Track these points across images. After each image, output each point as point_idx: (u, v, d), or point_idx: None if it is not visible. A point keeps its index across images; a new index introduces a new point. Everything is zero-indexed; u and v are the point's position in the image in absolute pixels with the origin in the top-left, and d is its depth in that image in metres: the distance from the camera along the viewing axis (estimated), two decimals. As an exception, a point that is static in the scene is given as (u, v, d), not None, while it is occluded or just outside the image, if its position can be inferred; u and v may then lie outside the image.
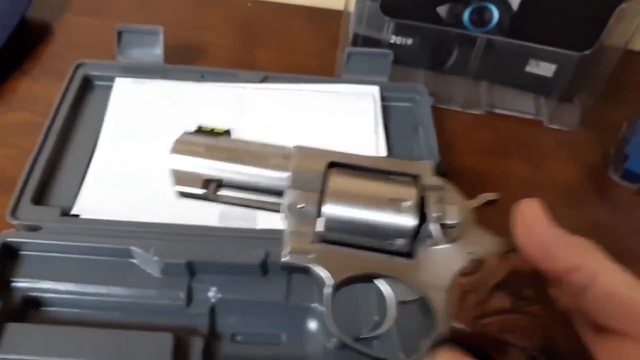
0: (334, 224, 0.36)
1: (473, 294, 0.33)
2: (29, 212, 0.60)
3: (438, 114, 0.78)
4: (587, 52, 0.74)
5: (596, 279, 0.32)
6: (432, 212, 0.35)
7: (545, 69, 0.79)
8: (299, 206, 0.36)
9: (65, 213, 0.61)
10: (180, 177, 0.38)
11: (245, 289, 0.57)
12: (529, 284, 0.33)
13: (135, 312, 0.56)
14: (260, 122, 0.72)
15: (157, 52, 0.77)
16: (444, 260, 0.35)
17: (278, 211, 0.37)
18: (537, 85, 0.82)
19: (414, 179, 0.37)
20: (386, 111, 0.76)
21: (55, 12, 0.89)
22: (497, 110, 0.83)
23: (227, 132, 0.41)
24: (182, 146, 0.39)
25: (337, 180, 0.36)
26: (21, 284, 0.56)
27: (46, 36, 0.86)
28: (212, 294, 0.57)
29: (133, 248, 0.57)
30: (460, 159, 0.76)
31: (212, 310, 0.57)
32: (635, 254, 0.70)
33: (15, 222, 0.59)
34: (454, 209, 0.35)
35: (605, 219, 0.74)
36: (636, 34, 0.74)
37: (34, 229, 0.59)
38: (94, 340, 0.52)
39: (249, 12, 0.95)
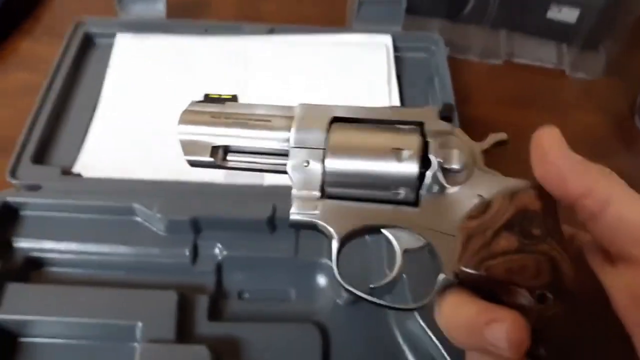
0: (337, 178, 0.36)
1: (479, 236, 0.33)
2: (29, 172, 0.59)
3: (454, 64, 0.74)
4: (612, -6, 0.70)
5: (609, 203, 0.31)
6: (435, 158, 0.34)
7: (568, 14, 0.75)
8: (304, 164, 0.36)
9: (66, 172, 0.59)
10: (189, 147, 0.38)
11: (253, 246, 0.55)
12: (538, 222, 0.32)
13: (140, 271, 0.55)
14: (267, 77, 0.69)
15: (159, 6, 0.75)
16: (450, 205, 0.34)
17: (286, 172, 0.37)
18: (559, 33, 0.78)
19: (419, 126, 0.36)
20: (399, 62, 0.73)
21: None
22: (517, 60, 0.79)
23: (233, 97, 0.40)
24: (189, 116, 0.39)
25: (339, 135, 0.36)
26: (22, 244, 0.55)
27: (46, -5, 0.84)
28: (218, 251, 0.55)
29: (136, 205, 0.55)
30: (478, 111, 0.73)
31: (219, 268, 0.55)
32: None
33: (15, 181, 0.58)
34: (456, 153, 0.34)
35: (631, 169, 0.70)
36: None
37: (34, 188, 0.57)
38: (97, 299, 0.50)
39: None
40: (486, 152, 0.36)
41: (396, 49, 0.73)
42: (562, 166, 0.32)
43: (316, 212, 0.36)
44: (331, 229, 0.36)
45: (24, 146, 0.60)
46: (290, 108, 0.38)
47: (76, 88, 0.68)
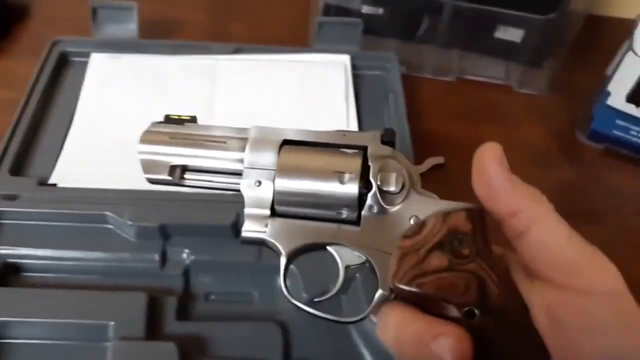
0: (285, 197, 0.38)
1: (413, 254, 0.35)
2: (7, 183, 0.62)
3: (410, 82, 0.79)
4: (552, 16, 0.76)
5: (533, 226, 0.34)
6: (374, 181, 0.37)
7: (513, 34, 0.81)
8: (256, 184, 0.39)
9: (43, 182, 0.63)
10: (148, 166, 0.41)
11: (218, 250, 0.59)
12: (468, 243, 0.35)
13: (112, 275, 0.58)
14: (233, 93, 0.74)
15: (131, 27, 0.79)
16: (388, 225, 0.37)
17: (237, 186, 0.40)
18: (506, 51, 0.83)
19: (363, 149, 0.39)
20: (357, 80, 0.77)
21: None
22: (468, 77, 0.85)
23: (192, 119, 0.43)
24: (149, 136, 0.41)
25: (287, 157, 0.39)
26: (1, 251, 0.58)
27: (23, 16, 0.88)
28: (186, 255, 0.59)
29: (108, 213, 0.59)
30: (431, 125, 0.78)
31: (186, 272, 0.59)
32: (600, 212, 0.72)
33: (-7, 192, 0.61)
34: (394, 176, 0.37)
35: (572, 180, 0.76)
36: (598, -1, 0.75)
37: (12, 198, 0.60)
38: (71, 300, 0.54)
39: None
40: (424, 175, 0.39)
41: (354, 67, 0.78)
42: (496, 184, 0.35)
43: (265, 229, 0.39)
44: (279, 246, 0.39)
45: (1, 159, 0.63)
46: (244, 130, 0.41)
47: (52, 104, 0.72)
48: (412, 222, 0.36)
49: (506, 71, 0.85)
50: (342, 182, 0.37)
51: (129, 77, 0.74)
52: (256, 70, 0.76)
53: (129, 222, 0.58)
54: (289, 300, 0.40)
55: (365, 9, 0.81)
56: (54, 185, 0.63)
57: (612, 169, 0.77)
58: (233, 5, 0.92)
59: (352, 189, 0.37)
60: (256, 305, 0.58)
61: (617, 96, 0.74)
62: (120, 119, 0.70)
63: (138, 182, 0.61)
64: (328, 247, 0.39)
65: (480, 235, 0.35)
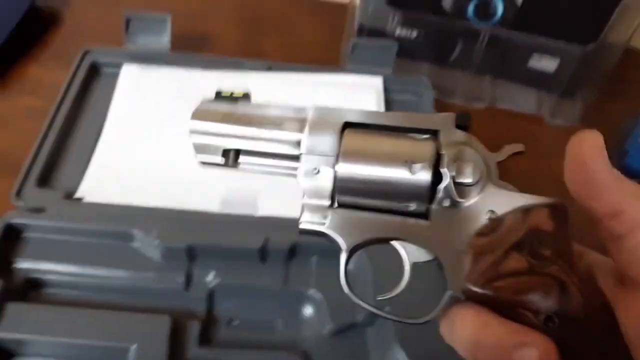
0: (347, 184, 0.35)
1: (488, 254, 0.32)
2: (34, 195, 0.61)
3: (440, 107, 0.78)
4: (589, 47, 0.74)
5: (637, 228, 0.30)
6: (448, 172, 0.33)
7: (547, 63, 0.79)
8: (314, 171, 0.35)
9: (69, 196, 0.62)
10: (200, 147, 0.38)
11: (244, 275, 0.58)
12: (549, 243, 0.31)
13: (135, 295, 0.57)
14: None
15: (164, 39, 0.78)
16: (461, 220, 0.33)
17: (294, 171, 0.37)
18: (540, 81, 0.82)
19: (434, 134, 0.35)
20: (389, 103, 0.77)
21: (63, -1, 0.91)
22: (499, 105, 0.83)
23: (246, 96, 0.39)
24: (201, 115, 0.38)
25: (350, 142, 0.35)
26: (23, 265, 0.57)
27: (55, 23, 0.87)
28: (211, 278, 0.58)
29: (134, 231, 0.58)
30: (461, 153, 0.76)
31: (210, 295, 0.58)
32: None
33: (19, 203, 0.60)
34: (470, 166, 0.33)
35: None
36: (637, 31, 0.74)
37: (37, 211, 0.60)
38: (93, 320, 0.53)
39: (256, 2, 0.95)
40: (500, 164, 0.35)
41: (386, 90, 0.77)
42: (599, 180, 0.31)
43: (325, 221, 0.35)
44: (339, 240, 0.35)
45: (29, 169, 0.63)
46: (303, 110, 0.37)
47: (81, 114, 0.71)
48: (488, 217, 0.33)
49: (538, 101, 0.83)
50: (411, 171, 0.33)
51: (160, 90, 0.73)
52: (288, 89, 0.75)
53: (156, 242, 0.57)
54: (353, 300, 0.36)
55: (399, 32, 0.80)
56: (81, 199, 0.62)
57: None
58: (266, 22, 0.92)
59: (423, 179, 0.33)
60: (279, 334, 0.57)
61: (653, 133, 0.72)
62: (151, 133, 0.69)
63: (166, 199, 0.62)
64: (392, 242, 0.35)
65: (563, 235, 0.32)
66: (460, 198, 0.33)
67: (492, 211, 0.33)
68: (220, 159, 0.37)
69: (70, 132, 0.69)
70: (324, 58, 0.83)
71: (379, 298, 0.36)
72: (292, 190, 0.64)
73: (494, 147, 0.82)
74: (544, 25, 0.75)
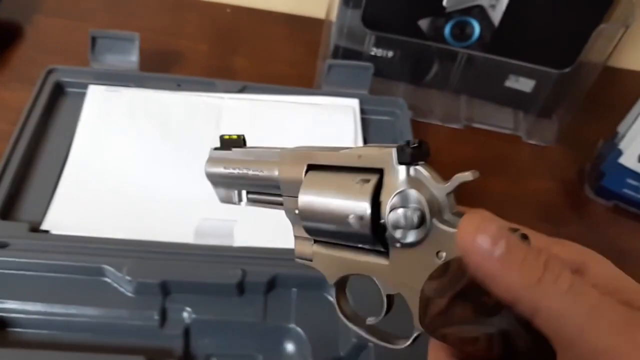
0: (310, 227, 0.37)
1: (438, 299, 0.32)
2: (-4, 228, 0.58)
3: (417, 127, 0.77)
4: (566, 70, 0.74)
5: (588, 271, 0.31)
6: (386, 221, 0.32)
7: (524, 84, 0.80)
8: (295, 210, 0.37)
9: (35, 228, 0.59)
10: (220, 193, 0.44)
11: (221, 310, 0.56)
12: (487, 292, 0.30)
13: (107, 333, 0.54)
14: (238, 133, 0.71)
15: (132, 58, 0.75)
16: (416, 261, 0.32)
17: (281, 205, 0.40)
18: (516, 101, 0.82)
19: (378, 175, 0.34)
20: (365, 124, 0.75)
21: (25, 13, 0.87)
22: (476, 125, 0.83)
23: (239, 139, 0.44)
24: (210, 164, 0.44)
25: (308, 181, 0.36)
26: (-14, 303, 0.54)
27: (16, 39, 0.83)
28: (187, 314, 0.56)
29: (105, 266, 0.55)
30: (438, 172, 0.76)
31: (187, 331, 0.55)
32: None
33: (-20, 238, 0.57)
34: (406, 214, 0.32)
35: (580, 236, 0.73)
36: (614, 52, 0.74)
37: (1, 245, 0.56)
38: (63, 364, 0.50)
39: (227, 18, 0.93)
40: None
41: (363, 111, 0.76)
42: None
43: (310, 256, 0.38)
44: (325, 274, 0.37)
45: (-10, 200, 0.59)
46: (276, 154, 0.39)
47: (46, 138, 0.68)
48: (439, 259, 0.32)
49: (515, 121, 0.84)
50: (351, 222, 0.33)
51: (129, 113, 0.70)
52: (263, 111, 0.73)
53: (128, 277, 0.54)
54: (347, 324, 0.38)
55: (375, 52, 0.79)
56: (47, 232, 0.59)
57: (622, 227, 0.76)
58: (238, 39, 0.89)
59: (363, 229, 0.33)
60: (261, 370, 0.55)
61: (629, 155, 0.73)
62: (120, 159, 0.66)
63: (138, 232, 0.59)
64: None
65: None
66: (405, 242, 0.32)
67: (439, 253, 0.32)
68: (237, 201, 0.43)
69: (34, 158, 0.65)
70: (298, 76, 0.82)
71: (369, 322, 0.37)
72: (268, 220, 0.63)
73: (471, 166, 0.82)
74: (521, 48, 0.75)
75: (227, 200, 0.44)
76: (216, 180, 0.44)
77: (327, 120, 0.73)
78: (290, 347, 0.56)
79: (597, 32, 0.71)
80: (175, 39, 0.87)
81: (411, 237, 0.32)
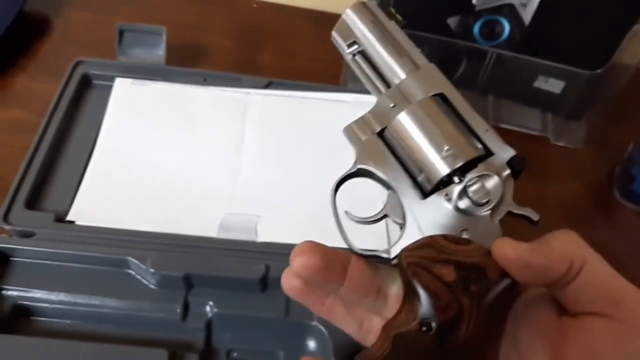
0: (395, 131, 0.38)
1: (436, 251, 0.35)
2: (22, 217, 0.58)
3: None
4: (598, 71, 0.73)
5: (581, 271, 0.33)
6: (465, 181, 0.35)
7: (553, 85, 0.78)
8: (390, 105, 0.39)
9: (60, 219, 0.59)
10: (342, 27, 0.42)
11: (243, 305, 0.56)
12: (481, 285, 0.34)
13: (129, 324, 0.54)
14: (263, 129, 0.71)
15: (159, 52, 0.75)
16: (443, 218, 0.36)
17: (380, 93, 0.40)
18: (545, 102, 0.80)
19: (487, 152, 0.37)
20: (391, 122, 0.74)
21: (54, 6, 0.87)
22: (503, 125, 0.82)
23: (401, 22, 0.42)
24: (360, 7, 0.42)
25: (426, 107, 0.38)
26: (11, 292, 0.54)
27: (45, 31, 0.84)
28: (209, 308, 0.55)
29: (129, 258, 0.55)
30: (464, 174, 0.75)
31: (209, 325, 0.55)
32: (637, 276, 0.69)
33: (7, 227, 0.57)
34: (482, 191, 0.35)
35: (608, 240, 0.72)
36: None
37: (27, 234, 0.57)
38: (85, 355, 0.50)
39: (254, 13, 0.93)
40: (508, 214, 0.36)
41: (388, 109, 0.75)
42: (537, 262, 0.32)
43: (363, 138, 0.39)
44: (358, 156, 0.38)
45: (17, 190, 0.60)
46: (421, 59, 0.41)
47: (72, 130, 0.68)
48: (462, 234, 0.35)
49: (543, 122, 0.82)
50: (442, 156, 0.36)
51: (155, 106, 0.70)
52: (288, 107, 0.73)
53: (152, 270, 0.54)
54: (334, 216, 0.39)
55: (402, 49, 0.78)
56: (72, 222, 0.59)
57: (650, 232, 0.74)
58: (264, 35, 0.89)
59: (442, 168, 0.36)
60: (282, 367, 0.55)
61: (661, 159, 0.71)
62: (145, 152, 0.66)
63: (162, 224, 0.59)
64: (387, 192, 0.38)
65: (499, 291, 0.34)
66: (457, 205, 0.35)
67: (466, 230, 0.35)
68: (345, 47, 0.42)
69: (61, 149, 0.66)
70: (324, 72, 0.81)
71: (346, 211, 0.38)
72: (292, 216, 0.62)
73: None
74: (552, 48, 0.74)
75: (339, 43, 0.42)
76: (347, 27, 0.42)
77: (353, 118, 0.73)
78: (312, 344, 0.56)
79: (632, 33, 0.69)
80: (200, 33, 0.86)
81: (463, 204, 0.35)
